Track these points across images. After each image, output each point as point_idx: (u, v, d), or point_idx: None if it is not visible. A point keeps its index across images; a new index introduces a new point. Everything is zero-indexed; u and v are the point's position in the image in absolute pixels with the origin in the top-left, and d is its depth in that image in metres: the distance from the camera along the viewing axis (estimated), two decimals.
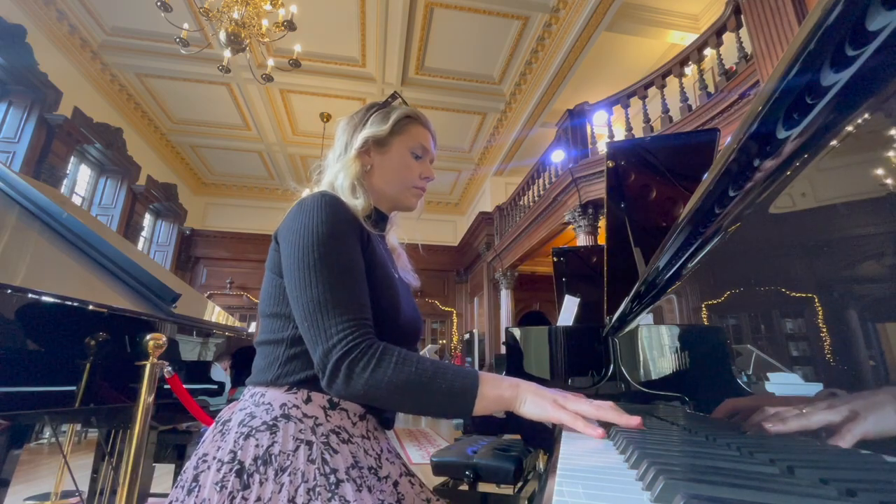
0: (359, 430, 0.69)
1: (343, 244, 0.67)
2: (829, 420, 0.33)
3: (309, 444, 0.62)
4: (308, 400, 0.66)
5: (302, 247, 0.65)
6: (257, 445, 0.61)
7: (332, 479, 0.59)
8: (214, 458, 0.61)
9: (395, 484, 0.70)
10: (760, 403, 0.43)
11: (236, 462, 0.59)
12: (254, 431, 0.62)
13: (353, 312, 0.62)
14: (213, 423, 0.69)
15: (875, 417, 0.28)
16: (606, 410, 0.56)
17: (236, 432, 0.63)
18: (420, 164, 0.85)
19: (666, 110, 4.44)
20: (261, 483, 0.57)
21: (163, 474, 2.45)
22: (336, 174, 0.81)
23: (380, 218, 0.85)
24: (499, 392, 0.61)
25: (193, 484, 0.59)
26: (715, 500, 0.24)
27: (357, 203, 0.76)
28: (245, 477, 0.58)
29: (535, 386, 0.62)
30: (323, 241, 0.65)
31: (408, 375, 0.60)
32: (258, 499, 0.56)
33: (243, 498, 0.56)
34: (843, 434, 0.30)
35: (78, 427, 3.49)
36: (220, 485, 0.57)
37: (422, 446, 4.81)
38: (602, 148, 5.18)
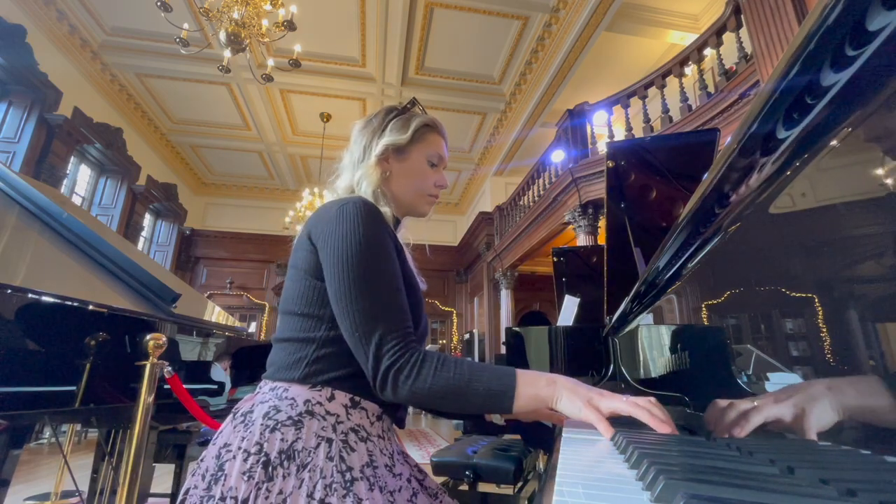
0: (376, 430, 0.71)
1: (386, 254, 0.70)
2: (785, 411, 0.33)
3: (329, 441, 0.64)
4: (332, 398, 0.68)
5: (348, 257, 0.67)
6: (282, 440, 0.63)
7: (348, 476, 0.62)
8: (240, 448, 0.62)
9: (409, 480, 0.73)
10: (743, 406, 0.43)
11: (263, 454, 0.61)
12: (279, 425, 0.64)
13: (397, 322, 0.66)
14: (231, 415, 0.70)
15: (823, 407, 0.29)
16: (640, 410, 0.56)
17: (262, 424, 0.64)
18: (435, 172, 0.87)
19: (666, 110, 4.44)
20: (283, 477, 0.60)
21: (163, 474, 2.45)
22: (358, 181, 0.83)
23: (395, 223, 0.88)
24: (535, 391, 0.62)
25: (219, 472, 0.61)
26: (715, 499, 0.24)
27: (385, 210, 0.78)
28: (270, 469, 0.60)
29: (571, 382, 0.63)
30: (368, 253, 0.68)
31: (446, 381, 0.62)
32: (280, 492, 0.58)
33: (267, 490, 0.58)
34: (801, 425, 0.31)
35: (78, 427, 3.49)
36: (247, 474, 0.59)
37: (422, 446, 4.80)
38: (602, 148, 5.18)
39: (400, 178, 0.85)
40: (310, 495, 0.58)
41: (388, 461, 0.70)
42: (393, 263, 0.70)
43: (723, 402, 0.50)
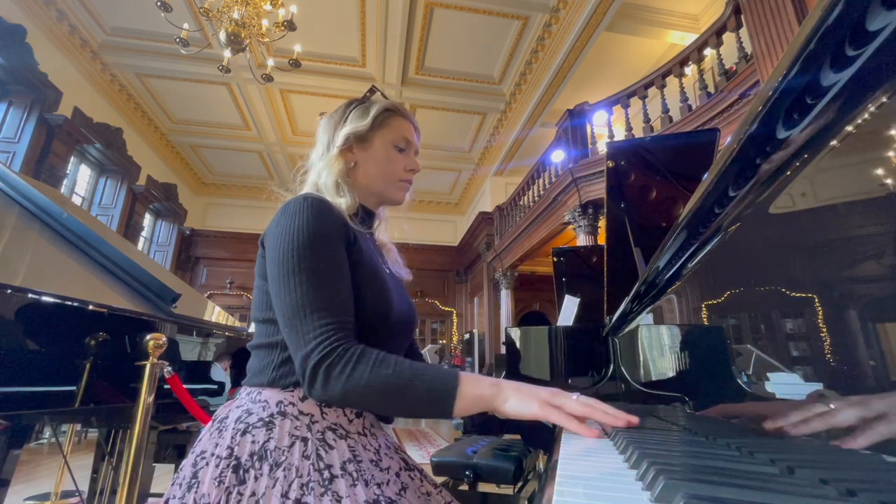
0: (355, 427, 0.70)
1: (324, 246, 0.67)
2: (833, 424, 0.32)
3: (304, 440, 0.63)
4: (304, 398, 0.67)
5: (283, 251, 0.65)
6: (253, 441, 0.62)
7: (326, 474, 0.60)
8: (213, 454, 0.62)
9: (398, 473, 0.71)
10: (754, 409, 0.43)
11: (233, 458, 0.60)
12: (250, 428, 0.63)
13: (331, 316, 0.62)
14: (210, 422, 0.70)
15: (882, 423, 0.28)
16: (593, 409, 0.57)
17: (233, 429, 0.64)
18: (404, 157, 0.85)
19: (666, 110, 4.44)
20: (255, 478, 0.58)
21: (163, 474, 2.45)
22: (319, 173, 0.81)
23: (366, 214, 0.85)
24: (478, 391, 0.61)
25: (193, 480, 0.60)
26: (715, 499, 0.24)
27: (342, 201, 0.76)
28: (241, 472, 0.59)
29: (518, 384, 0.62)
30: (303, 245, 0.65)
31: (385, 378, 0.59)
32: (253, 493, 0.57)
33: (239, 493, 0.57)
34: (849, 439, 0.30)
35: (78, 427, 3.49)
36: (218, 480, 0.58)
37: (422, 446, 4.81)
38: (602, 148, 5.18)
39: (366, 165, 0.83)
40: (284, 495, 0.57)
41: (373, 456, 0.68)
42: (331, 256, 0.67)
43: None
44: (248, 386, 0.71)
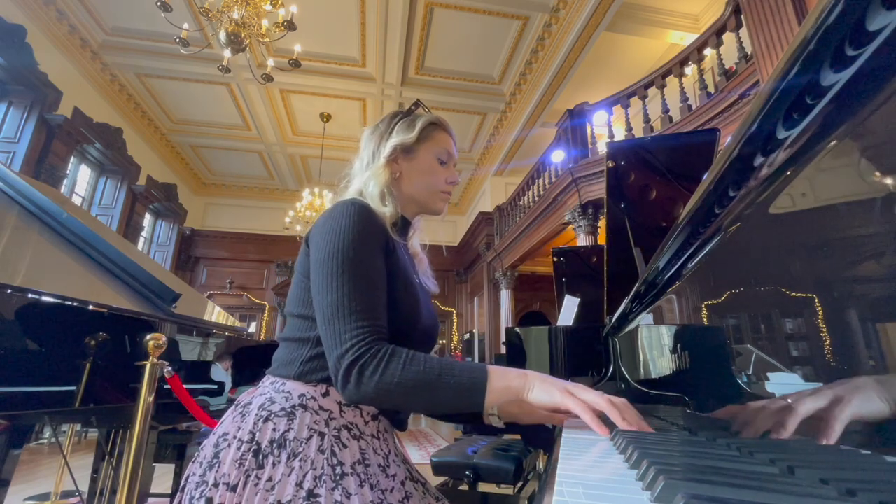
0: (370, 430, 0.72)
1: (366, 252, 0.70)
2: (812, 412, 0.33)
3: (321, 435, 0.66)
4: (326, 394, 0.70)
5: (327, 252, 0.68)
6: (274, 429, 0.65)
7: (338, 470, 0.63)
8: (235, 437, 0.65)
9: (403, 482, 0.73)
10: (758, 409, 0.43)
11: (254, 443, 0.63)
12: (272, 416, 0.66)
13: (367, 319, 0.65)
14: (233, 407, 0.73)
15: (854, 407, 0.28)
16: (613, 409, 0.56)
17: (256, 415, 0.66)
18: (445, 170, 0.88)
19: (666, 110, 4.44)
20: (273, 465, 0.62)
21: (163, 474, 2.45)
22: (366, 182, 0.84)
23: (403, 224, 0.88)
24: (506, 383, 0.63)
25: (214, 460, 0.63)
26: (715, 499, 0.24)
27: (386, 210, 0.79)
28: (260, 457, 0.62)
29: (544, 375, 0.64)
30: (346, 249, 0.68)
31: (415, 375, 0.61)
32: (269, 479, 0.60)
33: (257, 476, 0.60)
34: (825, 428, 0.30)
35: (78, 427, 3.49)
36: (238, 462, 0.62)
37: (422, 446, 4.80)
38: (602, 148, 5.18)
39: (411, 177, 0.86)
40: (298, 484, 0.60)
41: (381, 461, 0.70)
42: (372, 262, 0.70)
43: (755, 404, 0.47)
44: (273, 376, 0.74)
